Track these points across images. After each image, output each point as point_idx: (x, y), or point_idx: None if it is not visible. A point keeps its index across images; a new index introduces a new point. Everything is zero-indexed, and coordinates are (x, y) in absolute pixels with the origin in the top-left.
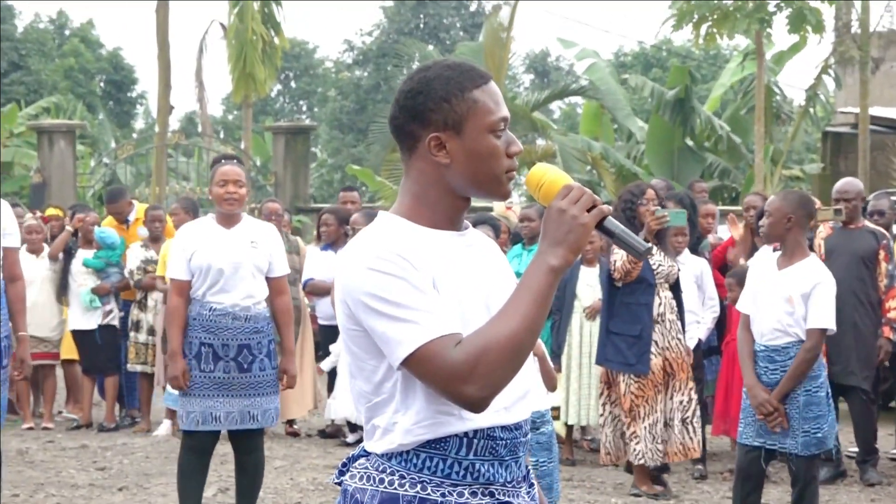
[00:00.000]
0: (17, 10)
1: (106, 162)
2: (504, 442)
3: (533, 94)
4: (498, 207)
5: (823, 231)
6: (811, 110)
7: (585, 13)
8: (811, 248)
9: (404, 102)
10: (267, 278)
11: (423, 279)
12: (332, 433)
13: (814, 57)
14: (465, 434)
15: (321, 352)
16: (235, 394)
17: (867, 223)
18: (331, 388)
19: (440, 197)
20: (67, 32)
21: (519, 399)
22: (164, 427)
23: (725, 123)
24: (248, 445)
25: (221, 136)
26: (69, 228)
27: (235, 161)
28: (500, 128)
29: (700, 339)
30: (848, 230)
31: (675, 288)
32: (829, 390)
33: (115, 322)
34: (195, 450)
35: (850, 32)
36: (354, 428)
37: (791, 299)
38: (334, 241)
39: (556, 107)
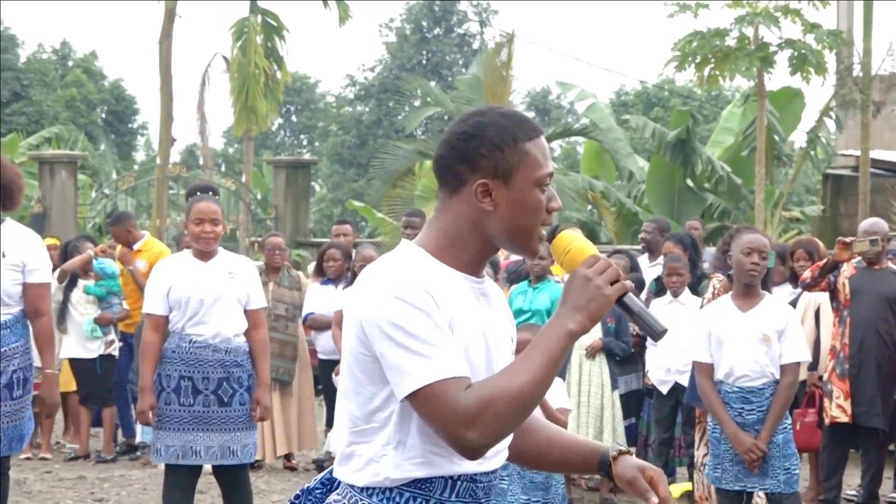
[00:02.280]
0: (19, 40)
1: (106, 193)
2: (482, 485)
3: None
4: None
5: (847, 270)
6: (812, 152)
7: (586, 52)
8: (835, 287)
9: (455, 143)
10: (244, 311)
11: (443, 317)
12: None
13: (816, 99)
14: (451, 476)
15: (320, 386)
16: (215, 428)
17: (890, 264)
18: (330, 421)
19: (472, 241)
20: (70, 63)
21: (500, 451)
22: None
23: (726, 164)
24: (233, 481)
25: (222, 168)
26: (90, 252)
27: (211, 194)
28: (546, 182)
29: None
30: (872, 270)
31: None
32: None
33: (115, 352)
34: (178, 485)
35: (852, 75)
36: None
37: (767, 338)
38: (338, 275)
39: (557, 145)
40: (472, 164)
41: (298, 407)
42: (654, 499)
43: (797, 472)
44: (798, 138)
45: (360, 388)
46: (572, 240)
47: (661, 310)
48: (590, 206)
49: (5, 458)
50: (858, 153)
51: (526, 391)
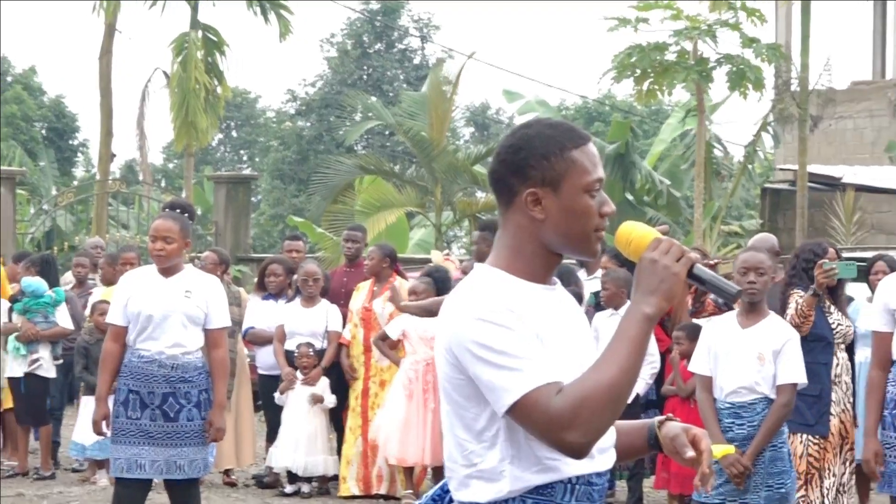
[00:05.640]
0: None
1: (45, 209)
2: (598, 487)
3: (474, 148)
4: (436, 257)
5: None
6: (750, 167)
7: (527, 67)
8: None
9: (505, 156)
10: (204, 330)
11: (528, 330)
12: (270, 483)
13: (753, 113)
14: (570, 480)
15: (260, 401)
16: (161, 443)
17: None
18: (270, 437)
19: (535, 252)
20: (10, 79)
21: (608, 448)
22: (103, 475)
23: (665, 178)
24: (182, 496)
25: (162, 184)
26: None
27: (179, 211)
28: (595, 188)
29: (638, 394)
30: None
31: (850, 349)
32: (790, 448)
33: (46, 372)
34: (124, 498)
35: (790, 90)
36: (293, 478)
37: (762, 357)
38: (279, 290)
39: None
40: (522, 175)
41: (236, 422)
42: (690, 452)
43: (782, 490)
44: (737, 152)
45: (462, 413)
46: (632, 229)
47: (604, 323)
48: None
49: None
50: (796, 167)
51: (616, 383)
